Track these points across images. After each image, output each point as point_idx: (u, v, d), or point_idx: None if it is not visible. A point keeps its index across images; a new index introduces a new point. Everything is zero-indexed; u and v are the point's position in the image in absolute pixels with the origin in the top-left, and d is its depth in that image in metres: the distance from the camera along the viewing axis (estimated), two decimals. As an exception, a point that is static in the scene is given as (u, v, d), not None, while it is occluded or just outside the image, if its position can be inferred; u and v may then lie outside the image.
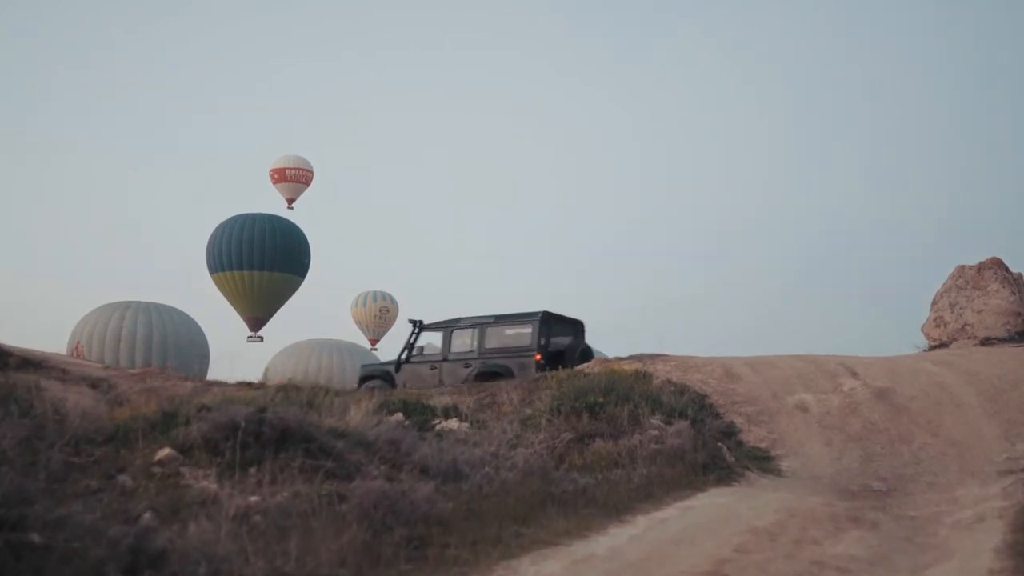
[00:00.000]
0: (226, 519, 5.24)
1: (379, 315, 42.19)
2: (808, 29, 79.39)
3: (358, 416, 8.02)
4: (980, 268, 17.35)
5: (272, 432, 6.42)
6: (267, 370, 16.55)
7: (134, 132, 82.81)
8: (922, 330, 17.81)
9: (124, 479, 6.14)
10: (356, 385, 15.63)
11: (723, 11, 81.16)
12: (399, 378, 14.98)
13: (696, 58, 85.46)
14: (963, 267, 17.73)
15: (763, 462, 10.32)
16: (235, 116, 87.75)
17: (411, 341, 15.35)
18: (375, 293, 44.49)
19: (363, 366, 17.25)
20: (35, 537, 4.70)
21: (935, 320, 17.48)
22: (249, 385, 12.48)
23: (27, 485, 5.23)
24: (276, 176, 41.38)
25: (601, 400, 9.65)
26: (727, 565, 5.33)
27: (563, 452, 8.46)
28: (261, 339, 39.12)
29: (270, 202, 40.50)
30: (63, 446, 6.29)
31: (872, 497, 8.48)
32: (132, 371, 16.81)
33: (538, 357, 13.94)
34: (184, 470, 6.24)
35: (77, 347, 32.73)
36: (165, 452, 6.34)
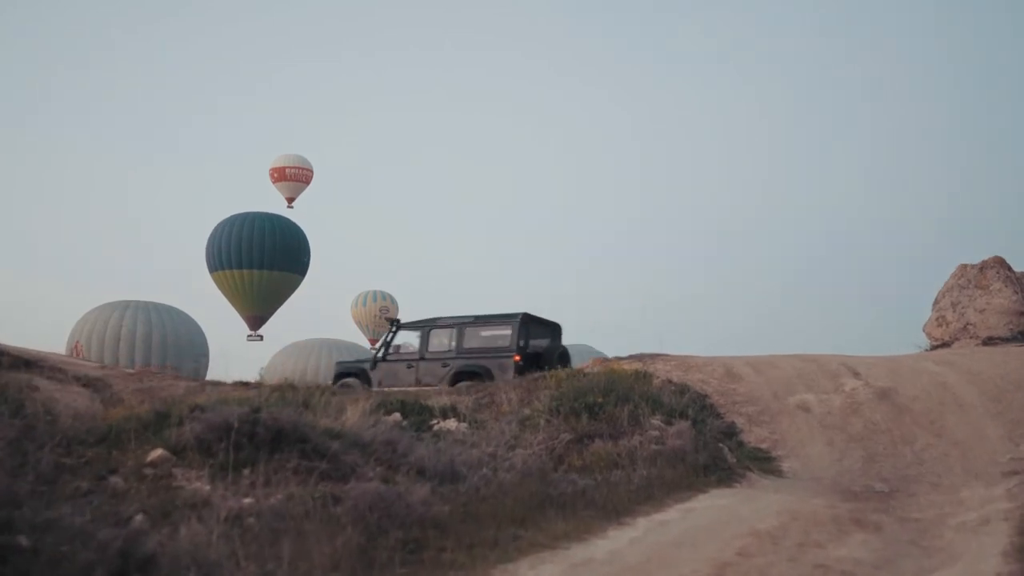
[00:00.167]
0: (218, 522, 5.14)
1: (379, 315, 42.10)
2: (808, 29, 79.33)
3: (355, 416, 7.92)
4: (982, 267, 17.27)
5: (266, 433, 6.31)
6: (262, 370, 16.39)
7: (134, 132, 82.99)
8: (924, 330, 17.74)
9: (115, 481, 6.03)
10: (331, 381, 15.53)
11: (723, 11, 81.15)
12: (375, 376, 14.97)
13: (696, 58, 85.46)
14: (965, 266, 17.65)
15: (764, 463, 10.23)
16: (235, 116, 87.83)
17: (388, 339, 15.36)
18: (375, 293, 44.49)
19: (339, 362, 16.93)
20: (23, 540, 4.60)
21: (937, 319, 17.40)
22: (246, 385, 12.39)
23: (15, 487, 5.13)
24: (276, 175, 41.31)
25: (601, 400, 9.55)
26: (729, 569, 5.23)
27: (562, 453, 8.35)
28: (261, 338, 39.07)
29: (270, 202, 40.47)
30: (54, 447, 6.19)
31: (875, 499, 8.38)
32: (129, 371, 16.75)
33: (517, 358, 13.96)
34: (177, 471, 6.14)
35: (76, 346, 32.73)
36: (157, 453, 6.23)
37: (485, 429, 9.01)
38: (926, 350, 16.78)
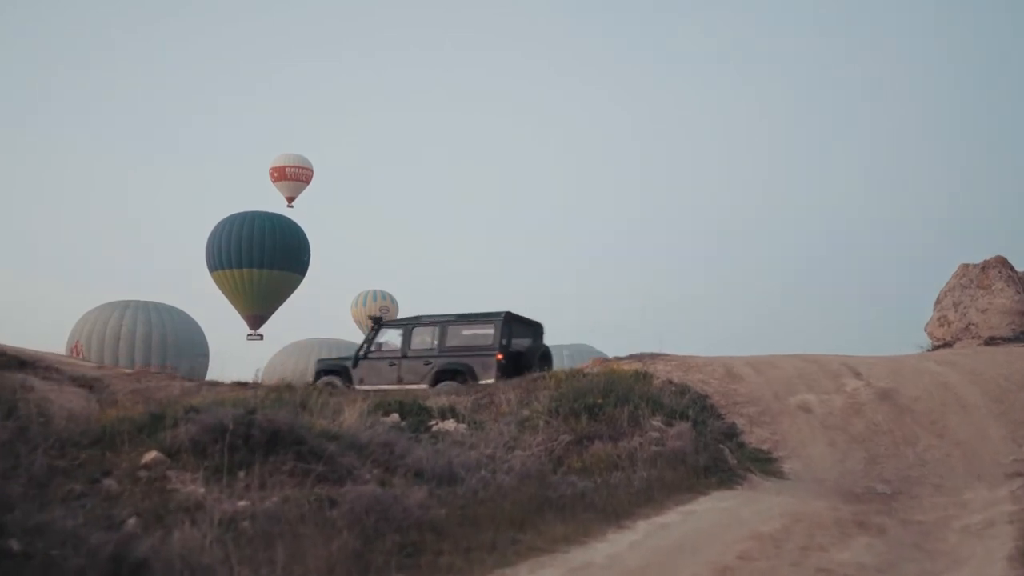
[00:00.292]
0: (212, 525, 5.07)
1: (379, 314, 42.04)
2: (808, 29, 79.22)
3: (352, 417, 7.85)
4: (984, 267, 17.19)
5: (262, 435, 6.23)
6: (258, 370, 16.26)
7: (134, 132, 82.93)
8: (925, 329, 17.65)
9: (109, 483, 5.96)
10: (312, 379, 15.39)
11: (723, 11, 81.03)
12: (357, 373, 14.92)
13: (696, 58, 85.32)
14: (967, 266, 17.56)
15: (765, 464, 10.15)
16: (235, 116, 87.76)
17: (370, 337, 15.32)
18: (375, 292, 44.47)
19: (319, 360, 16.82)
20: (14, 544, 4.54)
21: (939, 319, 17.32)
22: (244, 385, 12.32)
23: (7, 490, 5.07)
24: (276, 174, 41.23)
25: (600, 401, 9.46)
26: (730, 573, 5.16)
27: (561, 454, 8.26)
28: (261, 337, 38.99)
29: (270, 202, 40.39)
30: (47, 449, 6.12)
31: (877, 500, 8.30)
32: (126, 371, 16.68)
33: (500, 357, 13.93)
34: (171, 474, 6.06)
35: (76, 346, 32.69)
36: (152, 455, 6.15)
37: (484, 430, 8.93)
38: (928, 350, 16.70)
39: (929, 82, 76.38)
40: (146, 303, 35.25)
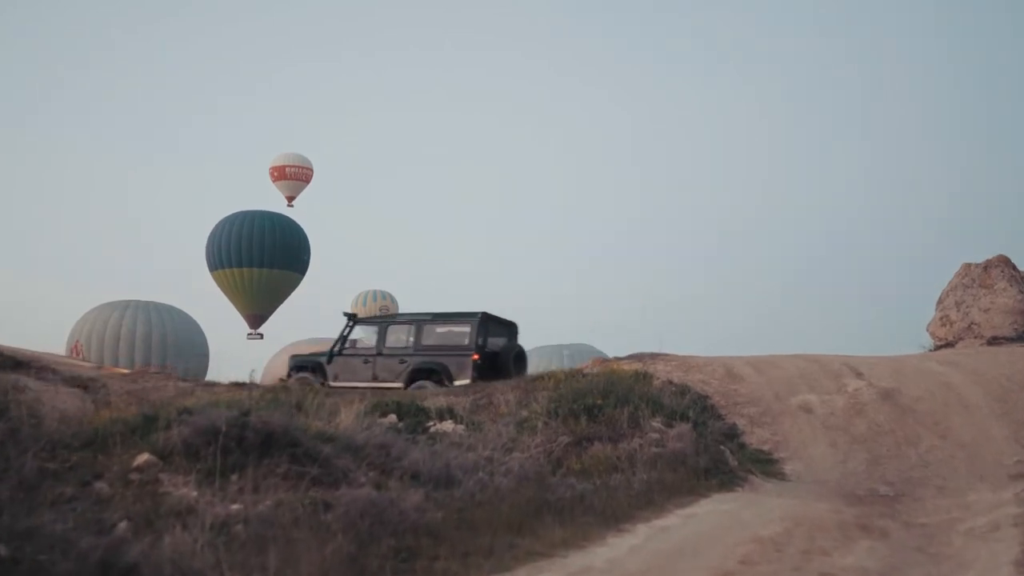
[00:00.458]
0: (203, 529, 4.98)
1: (379, 314, 41.94)
2: (808, 29, 79.06)
3: (348, 419, 7.75)
4: (987, 266, 17.09)
5: (255, 437, 6.14)
6: (253, 371, 16.08)
7: (134, 132, 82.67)
8: (927, 329, 17.55)
9: (100, 486, 5.87)
10: (285, 375, 15.35)
11: (723, 11, 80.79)
12: (331, 370, 14.83)
13: (696, 58, 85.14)
14: (969, 265, 17.46)
15: (766, 465, 10.07)
16: (235, 116, 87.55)
17: (345, 333, 15.22)
18: (375, 292, 44.30)
19: (292, 356, 16.57)
20: (2, 549, 4.46)
21: (941, 319, 17.22)
22: (241, 386, 12.21)
23: (-4, 493, 4.99)
24: (276, 174, 41.12)
25: (600, 402, 9.36)
26: (732, 578, 5.07)
27: (560, 456, 8.17)
28: (261, 336, 38.86)
29: (270, 201, 40.22)
30: (38, 451, 6.03)
31: (880, 503, 8.21)
32: (123, 371, 16.59)
33: (476, 357, 13.89)
34: (163, 477, 5.97)
35: (76, 346, 32.60)
36: (144, 458, 6.06)
37: (482, 431, 8.84)
38: (930, 350, 16.60)
39: (929, 82, 76.22)
40: (146, 303, 35.13)
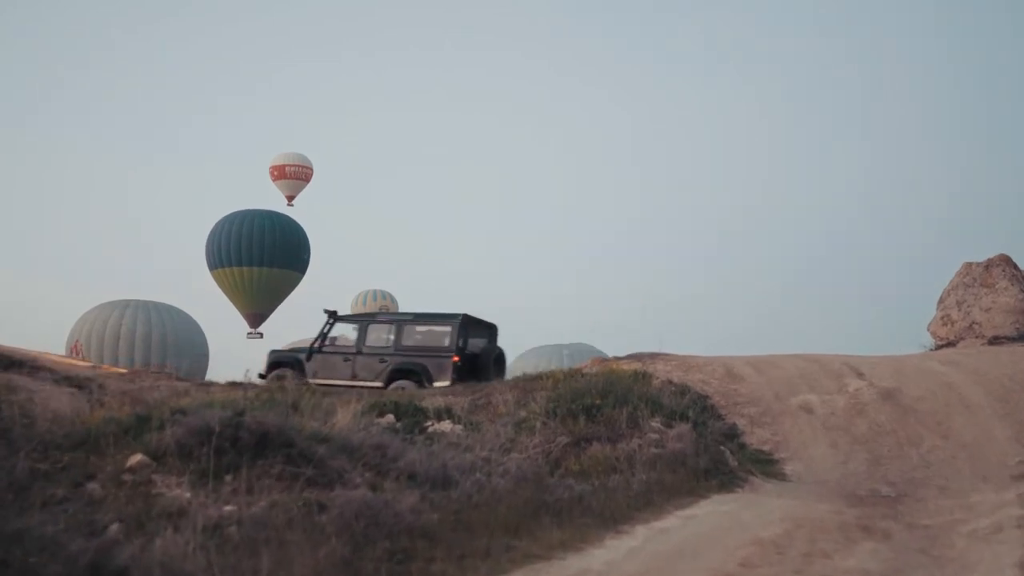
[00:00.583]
0: (195, 531, 4.91)
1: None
2: (808, 29, 78.97)
3: (345, 419, 7.68)
4: (988, 265, 17.00)
5: (250, 437, 6.06)
6: (248, 370, 15.92)
7: (134, 132, 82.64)
8: (928, 329, 17.47)
9: (93, 487, 5.80)
10: (264, 370, 15.23)
11: (723, 11, 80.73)
12: (310, 367, 14.74)
13: (696, 58, 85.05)
14: (970, 264, 17.37)
15: (767, 465, 9.99)
16: (235, 116, 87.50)
17: (325, 331, 15.14)
18: (375, 291, 44.23)
19: (272, 351, 16.34)
20: (-9, 551, 4.38)
21: (942, 318, 17.13)
22: (239, 385, 12.13)
23: (-15, 494, 4.92)
24: (276, 173, 41.08)
25: (599, 402, 9.27)
26: (732, 581, 4.99)
27: (559, 457, 8.09)
28: (261, 336, 38.77)
29: (270, 201, 40.16)
30: (29, 452, 5.95)
31: (882, 503, 8.13)
32: (121, 370, 16.53)
33: (456, 359, 13.88)
34: (156, 478, 5.89)
35: (76, 345, 32.54)
36: (137, 459, 5.98)
37: (480, 431, 8.76)
38: (931, 349, 16.53)
39: (929, 82, 76.12)
40: (146, 302, 35.06)
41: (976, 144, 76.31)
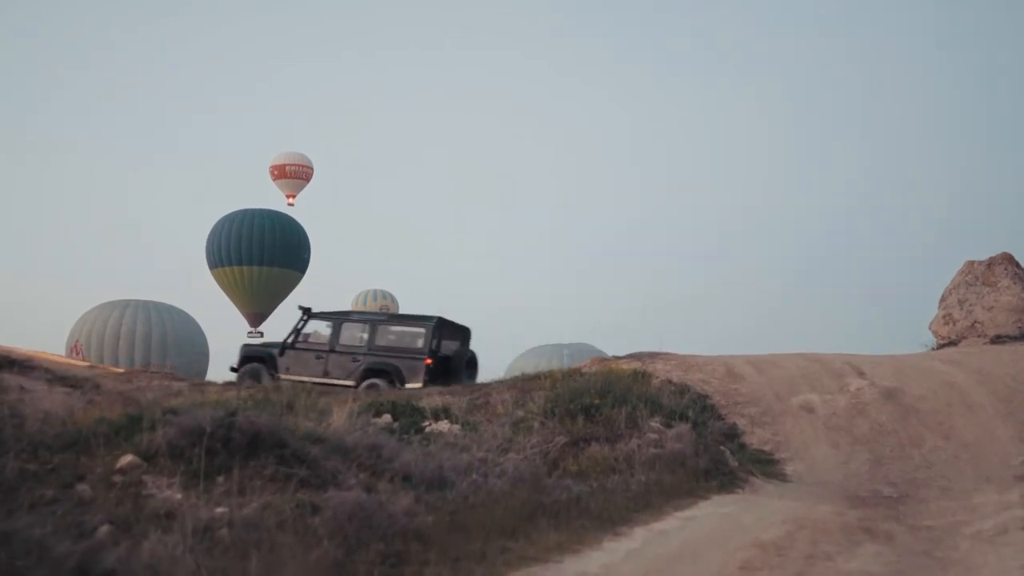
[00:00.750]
0: (185, 534, 4.81)
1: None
2: (808, 29, 78.86)
3: (340, 419, 7.58)
4: (990, 264, 16.89)
5: (242, 437, 5.96)
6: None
7: (134, 132, 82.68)
8: (930, 328, 17.36)
9: (82, 488, 5.70)
10: (236, 364, 15.25)
11: (723, 11, 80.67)
12: (282, 363, 14.73)
13: (696, 58, 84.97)
14: (972, 263, 17.26)
15: (767, 466, 9.90)
16: (235, 116, 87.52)
17: (298, 327, 15.11)
18: (375, 291, 44.18)
19: (244, 345, 16.39)
20: (-24, 554, 4.30)
21: (944, 317, 17.03)
22: (234, 385, 12.07)
23: (-28, 496, 4.84)
24: (276, 172, 41.05)
25: (597, 402, 9.15)
26: (732, 585, 4.89)
27: (557, 457, 7.99)
28: (261, 335, 38.62)
29: (270, 201, 40.14)
30: (19, 452, 5.85)
31: (884, 504, 8.03)
32: (118, 370, 16.45)
33: (429, 361, 13.94)
34: (147, 479, 5.80)
35: (76, 345, 32.49)
36: (127, 459, 5.89)
37: (478, 432, 8.67)
38: (933, 349, 16.42)
39: (929, 82, 75.98)
40: (146, 302, 35.01)
41: (977, 143, 76.22)
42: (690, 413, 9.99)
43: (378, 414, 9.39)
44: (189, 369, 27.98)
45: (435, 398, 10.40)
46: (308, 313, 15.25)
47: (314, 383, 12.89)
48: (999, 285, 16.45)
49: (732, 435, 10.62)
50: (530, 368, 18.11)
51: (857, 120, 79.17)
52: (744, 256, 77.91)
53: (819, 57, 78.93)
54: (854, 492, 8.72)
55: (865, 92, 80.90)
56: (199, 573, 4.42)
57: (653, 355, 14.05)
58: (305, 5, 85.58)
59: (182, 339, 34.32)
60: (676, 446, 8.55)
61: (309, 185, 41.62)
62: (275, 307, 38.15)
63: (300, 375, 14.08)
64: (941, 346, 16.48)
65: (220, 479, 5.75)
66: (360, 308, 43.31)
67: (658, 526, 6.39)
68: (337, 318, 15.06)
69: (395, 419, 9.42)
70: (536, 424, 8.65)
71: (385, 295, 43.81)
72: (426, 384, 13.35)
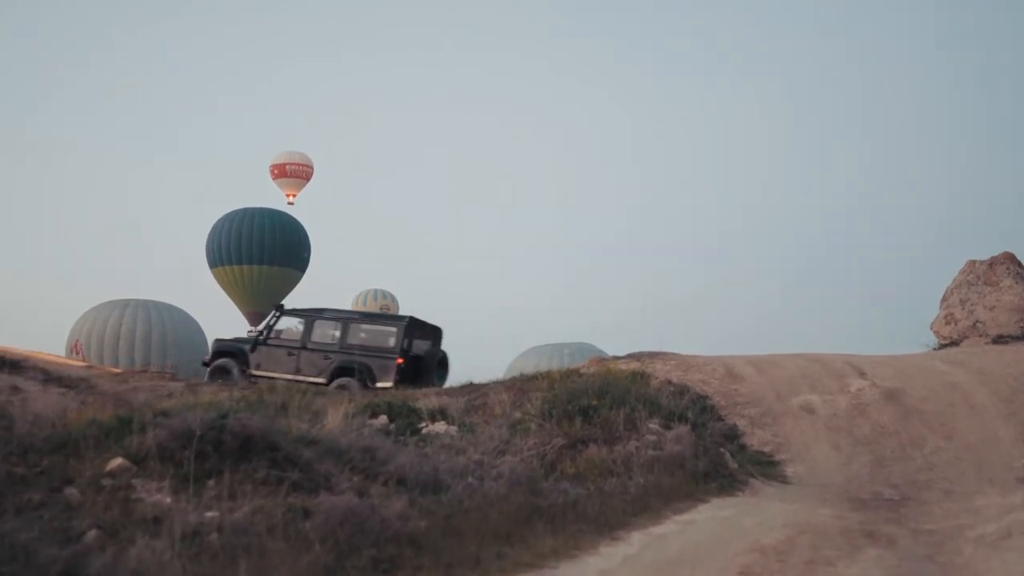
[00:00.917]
0: (173, 539, 4.72)
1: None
2: (808, 29, 78.75)
3: (335, 420, 7.49)
4: (992, 263, 16.78)
5: (233, 440, 5.87)
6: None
7: (134, 132, 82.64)
8: (931, 328, 17.25)
9: (71, 492, 5.60)
10: (208, 359, 15.29)
11: (723, 11, 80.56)
12: (254, 359, 14.73)
13: (696, 58, 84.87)
14: (974, 262, 17.15)
15: (767, 467, 9.81)
16: (235, 116, 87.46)
17: (271, 323, 15.15)
18: (376, 291, 44.09)
19: (217, 340, 16.39)
20: (-40, 560, 4.22)
21: (945, 317, 16.91)
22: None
23: (-42, 500, 4.76)
24: (276, 171, 41.00)
25: (595, 403, 9.04)
26: (731, 591, 4.80)
27: (554, 459, 7.89)
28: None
29: (271, 201, 40.07)
30: (7, 455, 5.77)
31: (885, 507, 7.93)
32: (115, 370, 16.37)
33: (400, 361, 13.96)
34: (137, 482, 5.71)
35: (76, 345, 32.42)
36: (117, 463, 5.79)
37: (474, 433, 8.57)
38: (934, 349, 16.31)
39: (929, 82, 75.86)
40: (145, 302, 34.95)
41: (977, 143, 76.09)
42: (689, 414, 9.88)
43: (374, 415, 9.31)
44: (189, 369, 27.91)
45: (432, 399, 10.32)
46: (280, 309, 15.34)
47: (285, 380, 12.89)
48: (1001, 285, 16.34)
49: (732, 436, 10.53)
50: (530, 368, 18.03)
51: (857, 120, 79.13)
52: (744, 256, 77.84)
53: (819, 57, 78.87)
54: (855, 494, 8.63)
55: (865, 92, 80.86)
56: (187, 578, 4.34)
57: (653, 355, 13.96)
58: (305, 5, 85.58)
59: (182, 339, 34.23)
60: (675, 448, 8.45)
61: (309, 184, 41.57)
62: (275, 306, 38.05)
63: (272, 372, 14.14)
64: (943, 346, 16.38)
65: (211, 483, 5.66)
66: (360, 308, 43.32)
67: (656, 530, 6.29)
68: (309, 315, 15.05)
69: (391, 420, 9.33)
70: (533, 426, 8.55)
71: (385, 295, 43.73)
72: (397, 384, 13.40)
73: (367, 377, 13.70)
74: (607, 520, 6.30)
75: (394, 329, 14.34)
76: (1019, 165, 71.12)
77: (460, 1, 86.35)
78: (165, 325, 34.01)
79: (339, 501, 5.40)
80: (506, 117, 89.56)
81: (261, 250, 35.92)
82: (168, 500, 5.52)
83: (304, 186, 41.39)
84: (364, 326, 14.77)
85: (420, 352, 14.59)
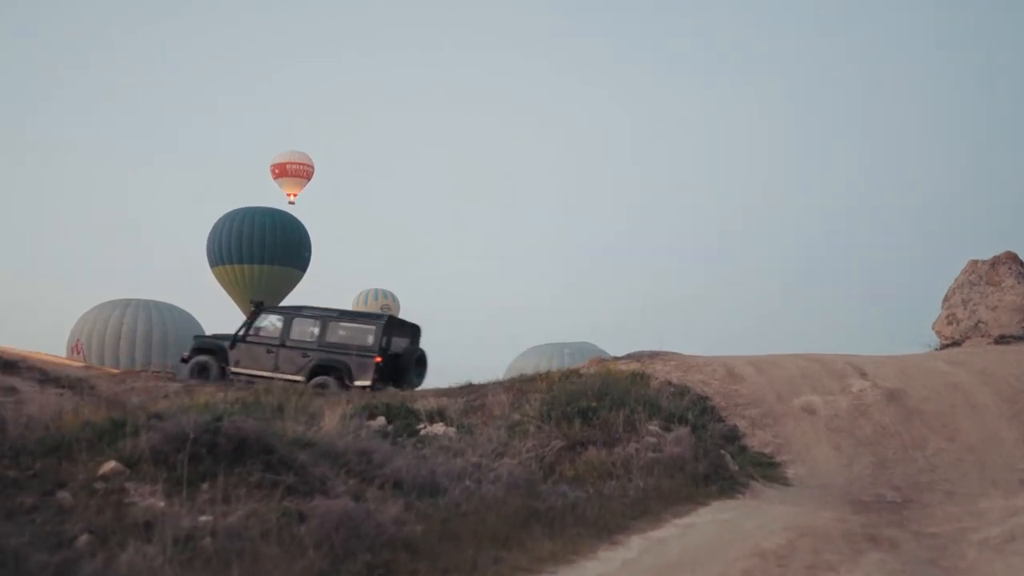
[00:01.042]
0: (165, 544, 4.65)
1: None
2: (808, 29, 78.63)
3: (332, 422, 7.42)
4: (994, 263, 16.70)
5: (228, 443, 5.80)
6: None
7: (134, 132, 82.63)
8: (933, 328, 17.17)
9: (63, 496, 5.53)
10: (186, 355, 15.25)
11: (723, 11, 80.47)
12: (232, 356, 14.71)
13: (696, 58, 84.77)
14: (976, 262, 17.07)
15: (768, 469, 9.73)
16: (235, 116, 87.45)
17: (250, 320, 15.09)
18: (376, 291, 44.09)
19: (196, 336, 16.42)
20: (-51, 566, 4.15)
21: (947, 317, 16.84)
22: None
23: (-51, 504, 4.69)
24: (277, 171, 40.96)
25: (595, 404, 8.96)
26: (731, 596, 4.72)
27: (553, 461, 7.81)
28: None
29: (271, 201, 40.02)
30: (-1, 458, 5.70)
31: (887, 510, 7.85)
32: (113, 371, 16.31)
33: (378, 360, 13.96)
34: (130, 486, 5.64)
35: (77, 345, 32.39)
36: (110, 466, 5.73)
37: (473, 435, 8.50)
38: (936, 349, 16.23)
39: (929, 82, 75.73)
40: (146, 301, 34.95)
41: (978, 143, 75.96)
42: (689, 415, 9.80)
43: (372, 416, 9.24)
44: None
45: (431, 400, 10.25)
46: (259, 307, 15.31)
47: (263, 377, 12.87)
48: (1003, 284, 16.26)
49: (732, 437, 10.45)
50: (530, 368, 17.99)
51: (857, 120, 79.08)
52: (744, 256, 77.78)
53: (819, 57, 78.80)
54: (857, 496, 8.55)
55: (865, 92, 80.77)
56: (178, 585, 4.27)
57: (653, 355, 13.89)
58: (305, 5, 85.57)
59: (183, 338, 34.09)
60: (675, 450, 8.37)
61: (310, 184, 41.51)
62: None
63: (250, 369, 14.17)
64: (944, 346, 16.31)
65: (204, 486, 5.59)
66: (361, 307, 43.27)
67: (656, 534, 6.21)
68: (289, 313, 15.05)
69: (390, 422, 9.27)
70: (532, 427, 8.47)
71: (386, 295, 43.72)
72: (375, 381, 13.43)
73: (345, 375, 13.73)
74: (606, 524, 6.22)
75: (372, 327, 14.32)
76: (1020, 164, 70.99)
77: (460, 1, 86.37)
78: (166, 325, 34.00)
79: (334, 505, 5.34)
80: (506, 117, 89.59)
81: (262, 249, 35.87)
82: (161, 504, 5.44)
83: (305, 185, 41.34)
84: (343, 324, 14.76)
85: (398, 350, 14.58)
